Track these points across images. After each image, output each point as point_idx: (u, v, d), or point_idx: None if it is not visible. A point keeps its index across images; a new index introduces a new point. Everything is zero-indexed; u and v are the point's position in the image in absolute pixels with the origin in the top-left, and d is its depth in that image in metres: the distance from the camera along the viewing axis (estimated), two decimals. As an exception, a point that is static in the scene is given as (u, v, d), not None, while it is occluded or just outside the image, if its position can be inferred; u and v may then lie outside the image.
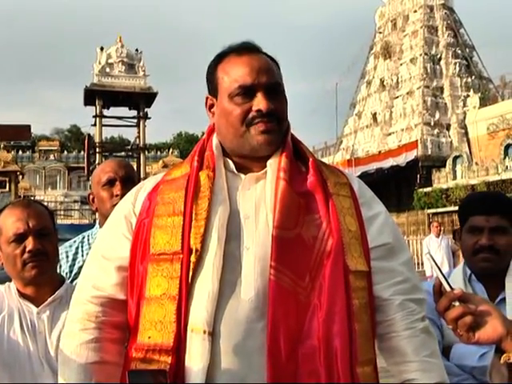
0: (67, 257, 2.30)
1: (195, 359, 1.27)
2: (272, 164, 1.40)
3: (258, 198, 1.38)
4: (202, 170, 1.41)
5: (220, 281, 1.29)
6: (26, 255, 1.79)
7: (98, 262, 1.46)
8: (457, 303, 1.17)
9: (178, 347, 1.28)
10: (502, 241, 1.98)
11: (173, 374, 1.27)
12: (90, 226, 2.54)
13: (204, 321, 1.27)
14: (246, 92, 1.38)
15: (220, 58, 1.45)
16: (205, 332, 1.26)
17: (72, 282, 2.20)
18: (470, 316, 1.15)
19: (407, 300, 1.37)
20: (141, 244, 1.40)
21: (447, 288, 1.19)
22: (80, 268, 2.26)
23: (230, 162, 1.43)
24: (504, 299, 1.96)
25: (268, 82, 1.39)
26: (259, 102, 1.37)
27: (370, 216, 1.44)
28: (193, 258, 1.31)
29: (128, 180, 2.30)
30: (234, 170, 1.42)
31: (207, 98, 1.48)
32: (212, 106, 1.47)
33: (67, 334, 1.44)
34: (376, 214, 1.46)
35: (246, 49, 1.43)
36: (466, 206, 2.13)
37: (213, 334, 1.27)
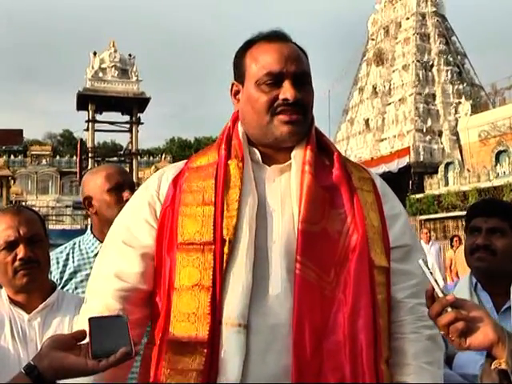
0: (58, 263, 2.29)
1: (230, 353, 1.25)
2: (296, 156, 1.39)
3: (284, 191, 1.37)
4: (230, 159, 1.40)
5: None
6: (17, 263, 1.77)
7: (119, 248, 1.42)
8: (449, 309, 1.17)
9: (213, 340, 1.26)
10: (499, 242, 2.00)
11: (207, 367, 1.25)
12: (82, 232, 2.53)
13: (239, 313, 1.26)
14: (274, 80, 1.37)
15: (249, 44, 1.44)
16: (240, 325, 1.26)
17: (63, 288, 2.19)
18: (461, 322, 1.16)
19: (419, 304, 1.36)
20: (167, 232, 1.38)
21: (440, 294, 1.19)
22: (71, 274, 2.25)
23: (257, 151, 1.42)
24: (509, 308, 1.97)
25: (296, 70, 1.38)
26: (286, 91, 1.36)
27: (393, 214, 1.45)
28: (226, 250, 1.30)
29: (133, 186, 2.33)
30: (260, 160, 1.41)
31: (233, 84, 1.47)
32: (237, 92, 1.46)
33: (83, 326, 1.35)
34: (398, 213, 1.47)
35: (277, 36, 1.42)
36: (469, 210, 2.19)
37: (246, 328, 1.26)
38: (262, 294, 1.29)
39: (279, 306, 1.28)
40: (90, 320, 1.19)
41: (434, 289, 1.21)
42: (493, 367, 1.19)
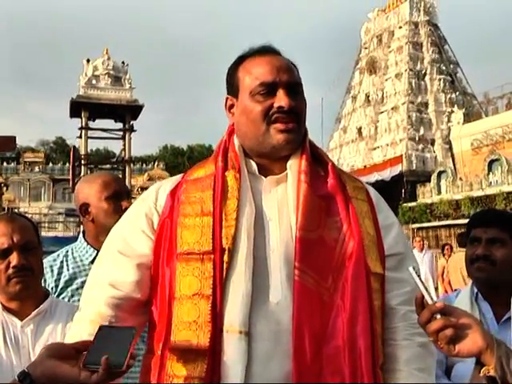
0: (52, 271, 2.28)
1: (232, 360, 1.27)
2: (292, 166, 1.42)
3: (281, 201, 1.40)
4: (227, 171, 1.43)
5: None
6: (10, 270, 1.77)
7: (114, 258, 1.44)
8: (438, 316, 1.19)
9: (214, 348, 1.28)
10: (499, 252, 2.02)
11: (209, 374, 1.27)
12: (75, 239, 2.53)
13: (240, 321, 1.28)
14: (268, 89, 1.40)
15: (241, 59, 1.48)
16: (241, 332, 1.27)
17: (59, 296, 2.19)
18: (450, 329, 1.17)
19: (411, 311, 1.36)
20: (165, 243, 1.39)
21: (429, 301, 1.20)
22: (66, 282, 2.25)
23: (253, 163, 1.45)
24: (510, 319, 1.98)
25: (289, 80, 1.42)
26: (280, 99, 1.39)
27: (387, 224, 1.48)
28: (225, 258, 1.32)
29: (129, 194, 2.34)
30: (256, 171, 1.44)
31: (227, 99, 1.50)
32: (232, 106, 1.49)
33: (75, 333, 1.40)
34: (392, 223, 1.50)
35: (268, 50, 1.47)
36: (470, 220, 2.21)
37: (248, 335, 1.28)
38: (263, 301, 1.31)
39: (280, 312, 1.30)
40: (99, 329, 1.20)
41: (423, 296, 1.22)
42: (481, 374, 1.20)
